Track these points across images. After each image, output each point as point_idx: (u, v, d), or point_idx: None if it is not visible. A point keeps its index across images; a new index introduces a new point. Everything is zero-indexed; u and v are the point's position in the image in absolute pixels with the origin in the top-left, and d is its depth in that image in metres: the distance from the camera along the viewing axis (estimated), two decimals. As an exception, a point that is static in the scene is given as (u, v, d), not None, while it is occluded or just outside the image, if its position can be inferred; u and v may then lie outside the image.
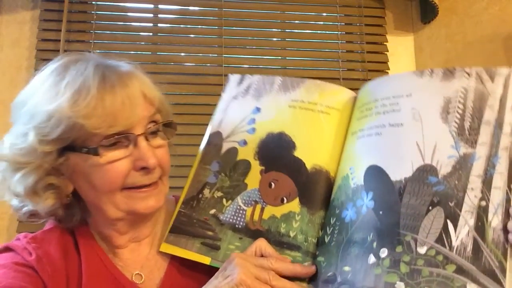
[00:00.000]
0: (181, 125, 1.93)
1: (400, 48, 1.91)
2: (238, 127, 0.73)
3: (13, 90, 1.74)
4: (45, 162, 0.62)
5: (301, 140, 0.67)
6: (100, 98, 0.60)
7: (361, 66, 1.85)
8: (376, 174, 0.58)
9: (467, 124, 0.55)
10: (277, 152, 0.68)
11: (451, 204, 0.52)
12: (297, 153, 0.67)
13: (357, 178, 0.60)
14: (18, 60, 1.69)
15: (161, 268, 0.70)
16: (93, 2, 1.76)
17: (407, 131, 0.58)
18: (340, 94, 0.69)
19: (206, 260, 0.64)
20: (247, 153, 0.70)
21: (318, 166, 0.65)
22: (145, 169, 0.63)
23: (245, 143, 0.71)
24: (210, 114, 1.91)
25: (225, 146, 0.72)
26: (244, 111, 0.74)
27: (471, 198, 0.52)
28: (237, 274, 0.54)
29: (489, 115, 0.55)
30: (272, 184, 0.66)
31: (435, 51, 1.86)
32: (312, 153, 0.66)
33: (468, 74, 0.58)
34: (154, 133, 0.67)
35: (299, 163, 0.66)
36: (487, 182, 0.52)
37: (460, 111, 0.56)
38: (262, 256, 0.60)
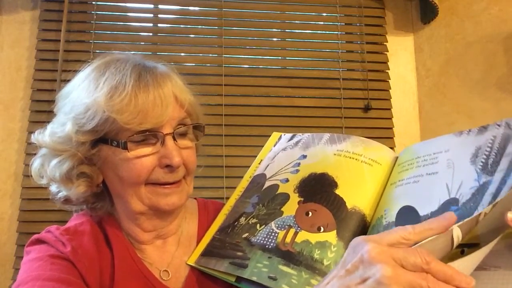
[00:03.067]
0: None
1: (400, 48, 1.91)
2: (283, 169, 0.76)
3: (13, 90, 1.75)
4: (79, 151, 0.66)
5: (343, 181, 0.69)
6: (134, 95, 0.64)
7: (361, 66, 1.85)
8: (407, 212, 0.62)
9: (490, 161, 0.59)
10: (318, 187, 0.70)
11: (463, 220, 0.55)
12: (338, 192, 0.68)
13: (390, 217, 0.63)
14: (18, 60, 1.70)
15: (186, 266, 0.72)
16: (93, 2, 1.76)
17: (440, 177, 0.62)
18: (383, 151, 0.72)
19: (231, 278, 0.65)
20: (287, 188, 0.72)
21: (358, 208, 0.65)
22: (169, 167, 0.66)
23: (287, 180, 0.74)
24: (210, 114, 1.91)
25: (267, 183, 0.76)
26: (291, 158, 0.78)
27: (479, 210, 0.54)
28: (382, 280, 0.38)
29: (511, 147, 0.58)
30: (310, 213, 0.67)
31: (435, 51, 1.86)
32: (353, 195, 0.67)
33: (499, 125, 0.63)
34: (183, 134, 0.70)
35: (340, 200, 0.67)
36: (495, 195, 0.55)
37: (487, 153, 0.60)
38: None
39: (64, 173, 0.67)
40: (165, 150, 0.66)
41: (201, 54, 1.81)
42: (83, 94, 0.66)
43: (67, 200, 0.71)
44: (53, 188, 0.71)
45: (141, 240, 0.71)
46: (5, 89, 1.67)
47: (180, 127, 0.68)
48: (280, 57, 1.86)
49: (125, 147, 0.64)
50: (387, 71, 1.86)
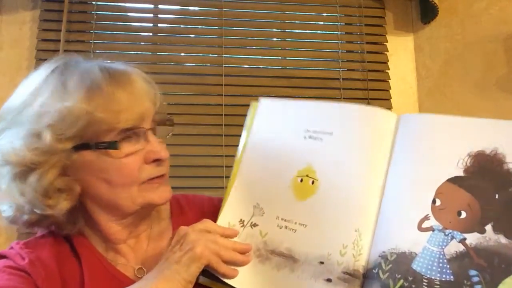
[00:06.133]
0: (180, 125, 1.93)
1: (400, 48, 1.91)
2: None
3: (13, 90, 1.74)
4: (60, 160, 0.62)
5: None
6: (112, 93, 0.63)
7: (361, 66, 1.85)
8: None
9: None
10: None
11: None
12: None
13: None
14: (18, 60, 1.69)
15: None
16: (93, 2, 1.76)
17: None
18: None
19: None
20: None
21: None
22: (157, 161, 0.66)
23: None
24: (210, 114, 1.91)
25: None
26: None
27: None
28: (195, 248, 0.59)
29: None
30: None
31: (435, 51, 1.86)
32: None
33: None
34: (154, 128, 0.70)
35: None
36: None
37: None
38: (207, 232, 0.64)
39: (45, 189, 0.62)
40: (150, 145, 0.66)
41: (201, 54, 1.81)
42: (50, 100, 0.62)
43: (32, 223, 0.66)
44: (10, 213, 0.65)
45: (118, 240, 0.70)
46: (5, 89, 1.67)
47: (155, 121, 0.69)
48: (280, 57, 1.86)
49: (115, 147, 0.62)
50: (387, 71, 1.86)
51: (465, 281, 0.51)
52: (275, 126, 0.72)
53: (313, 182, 0.65)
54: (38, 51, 1.68)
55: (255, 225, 0.66)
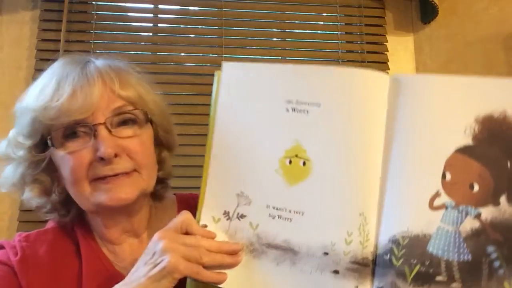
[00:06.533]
0: (180, 126, 1.92)
1: (400, 48, 1.91)
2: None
3: (13, 90, 1.75)
4: (29, 156, 0.65)
5: None
6: (56, 90, 0.62)
7: (361, 66, 1.85)
8: None
9: None
10: None
11: None
12: None
13: None
14: (18, 60, 1.69)
15: None
16: (93, 2, 1.76)
17: None
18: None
19: None
20: None
21: None
22: (102, 160, 0.61)
23: None
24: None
25: None
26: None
27: None
28: (167, 261, 0.52)
29: None
30: None
31: (435, 51, 1.86)
32: None
33: None
34: (124, 123, 0.65)
35: None
36: None
37: None
38: (186, 232, 0.56)
39: (18, 179, 0.66)
40: (97, 141, 0.61)
41: (201, 54, 1.81)
42: (24, 101, 0.66)
43: (39, 207, 0.70)
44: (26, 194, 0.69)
45: (111, 240, 0.69)
46: (5, 89, 1.67)
47: (117, 116, 0.64)
48: (280, 57, 1.86)
49: (53, 144, 0.63)
50: (387, 71, 1.86)
51: (483, 259, 0.49)
52: (248, 96, 0.61)
53: (304, 163, 0.57)
54: (38, 51, 1.68)
55: (242, 216, 0.58)
